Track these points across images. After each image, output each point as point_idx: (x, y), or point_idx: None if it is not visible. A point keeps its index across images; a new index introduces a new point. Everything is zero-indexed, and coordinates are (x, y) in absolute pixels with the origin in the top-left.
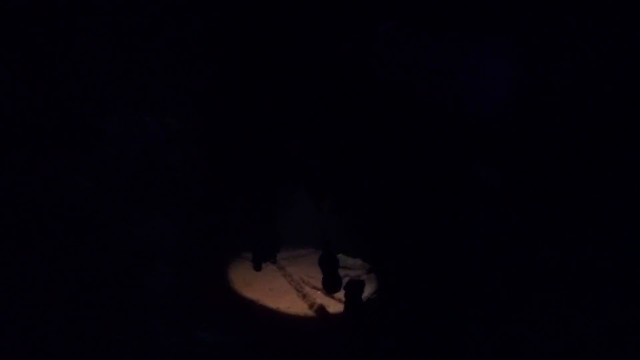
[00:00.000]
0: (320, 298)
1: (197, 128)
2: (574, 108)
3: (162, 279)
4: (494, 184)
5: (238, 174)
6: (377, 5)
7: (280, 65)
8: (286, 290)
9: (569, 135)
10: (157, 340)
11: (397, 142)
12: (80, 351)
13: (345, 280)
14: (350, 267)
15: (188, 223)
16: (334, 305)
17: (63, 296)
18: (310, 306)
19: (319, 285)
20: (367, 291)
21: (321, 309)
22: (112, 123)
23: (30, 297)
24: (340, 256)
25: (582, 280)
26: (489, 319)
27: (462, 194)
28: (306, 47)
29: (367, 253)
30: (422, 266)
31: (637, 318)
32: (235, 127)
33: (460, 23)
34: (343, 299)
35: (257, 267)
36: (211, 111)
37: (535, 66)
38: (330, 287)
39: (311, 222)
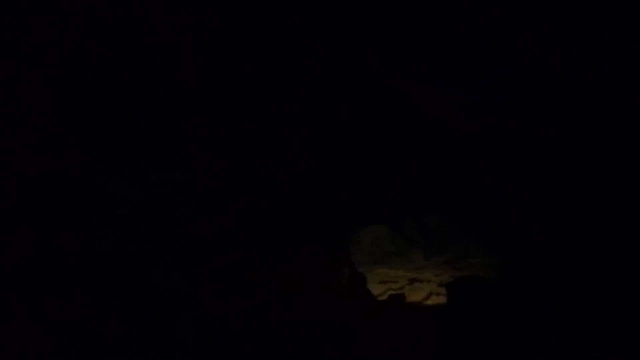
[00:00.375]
0: None
1: (204, 176)
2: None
3: (188, 329)
4: None
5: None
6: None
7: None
8: None
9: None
10: None
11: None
12: None
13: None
14: (393, 279)
15: (207, 276)
16: None
17: None
18: None
19: None
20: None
21: None
22: (119, 186)
23: None
24: (383, 270)
25: None
26: None
27: None
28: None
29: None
30: None
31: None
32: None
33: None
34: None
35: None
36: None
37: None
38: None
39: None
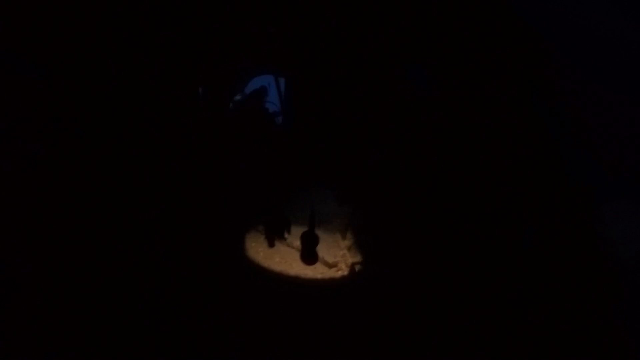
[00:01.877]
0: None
1: None
2: None
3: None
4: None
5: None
6: None
7: None
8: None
9: None
10: None
11: None
12: None
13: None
14: None
15: None
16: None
17: None
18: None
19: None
20: None
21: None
22: None
23: None
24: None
25: None
26: None
27: None
28: None
29: None
30: None
31: None
32: None
33: None
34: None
35: (271, 244)
36: None
37: None
38: (306, 260)
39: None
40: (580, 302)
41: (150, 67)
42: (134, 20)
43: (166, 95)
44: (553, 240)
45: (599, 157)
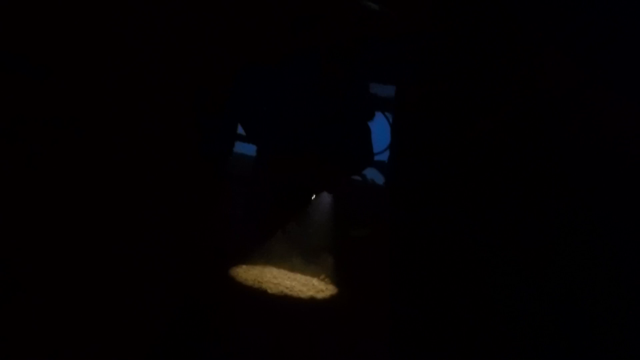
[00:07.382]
0: None
1: None
2: None
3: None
4: None
5: None
6: None
7: None
8: None
9: None
10: None
11: None
12: None
13: None
14: None
15: None
16: None
17: None
18: None
19: None
20: None
21: None
22: None
23: None
24: None
25: None
26: None
27: None
28: None
29: None
30: None
31: None
32: None
33: None
34: None
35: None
36: None
37: None
38: None
39: None
40: (580, 302)
41: (150, 67)
42: (134, 20)
43: (166, 95)
44: (552, 240)
45: (599, 155)
